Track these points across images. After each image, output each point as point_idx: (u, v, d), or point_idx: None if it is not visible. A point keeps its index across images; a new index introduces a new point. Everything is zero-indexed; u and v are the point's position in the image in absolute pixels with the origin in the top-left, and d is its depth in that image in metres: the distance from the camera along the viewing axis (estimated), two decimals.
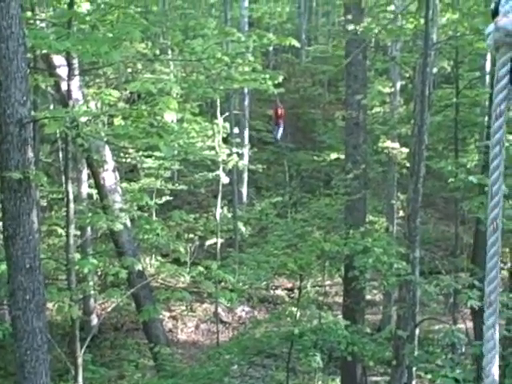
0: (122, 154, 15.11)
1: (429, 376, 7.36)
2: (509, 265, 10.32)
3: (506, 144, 11.54)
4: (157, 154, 14.26)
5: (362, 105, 11.15)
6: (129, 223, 10.52)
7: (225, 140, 13.79)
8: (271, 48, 19.86)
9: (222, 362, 8.92)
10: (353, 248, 8.73)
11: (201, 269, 7.75)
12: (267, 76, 10.49)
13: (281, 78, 10.71)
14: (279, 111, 18.01)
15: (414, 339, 7.48)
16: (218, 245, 12.68)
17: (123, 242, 10.18)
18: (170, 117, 10.81)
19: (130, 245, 10.31)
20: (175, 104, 9.34)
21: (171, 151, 9.01)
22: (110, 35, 7.10)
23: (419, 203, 8.24)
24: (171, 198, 15.10)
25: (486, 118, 11.38)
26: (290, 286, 13.87)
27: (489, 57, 11.64)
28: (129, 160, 15.47)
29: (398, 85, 13.97)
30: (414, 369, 7.74)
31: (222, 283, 9.82)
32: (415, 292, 7.57)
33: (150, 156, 14.75)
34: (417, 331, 7.54)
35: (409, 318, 7.76)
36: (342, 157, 12.53)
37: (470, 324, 9.32)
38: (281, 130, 18.31)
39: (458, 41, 9.57)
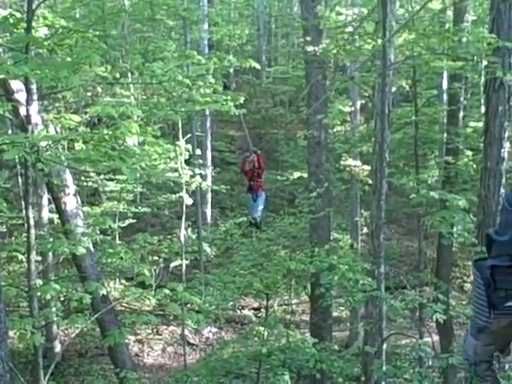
0: (82, 178, 14.95)
1: None
2: (471, 278, 10.49)
3: (465, 159, 11.84)
4: (119, 177, 14.16)
5: (323, 124, 11.30)
6: (91, 247, 10.38)
7: (187, 161, 13.76)
8: (232, 70, 19.99)
9: None
10: (318, 266, 8.78)
11: (166, 291, 7.68)
12: (228, 97, 10.55)
13: (242, 99, 10.78)
14: (255, 160, 10.25)
15: (381, 354, 7.51)
16: (183, 266, 12.57)
17: (86, 266, 10.01)
18: (132, 140, 10.77)
19: (93, 269, 10.14)
20: (137, 127, 9.30)
21: (134, 174, 8.95)
22: (69, 59, 7.05)
23: (382, 219, 8.33)
24: (134, 221, 14.97)
25: (445, 135, 11.66)
26: (256, 305, 13.83)
27: (445, 75, 11.94)
28: (90, 184, 15.31)
29: (358, 104, 14.20)
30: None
31: (188, 305, 9.74)
32: (381, 307, 7.62)
33: (111, 179, 14.62)
34: (384, 346, 7.58)
35: (376, 333, 7.79)
36: (305, 175, 12.63)
37: (435, 337, 9.43)
38: (261, 206, 10.37)
39: (415, 60, 9.80)
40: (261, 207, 10.44)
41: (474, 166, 11.20)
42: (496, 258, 1.27)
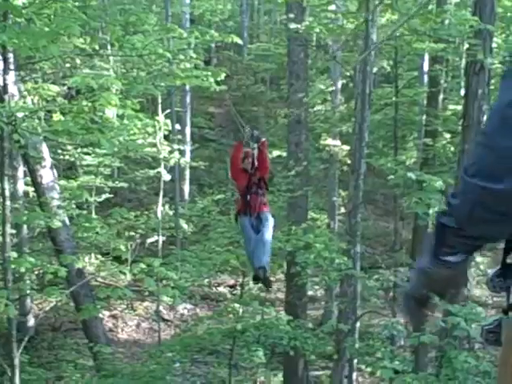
0: (59, 151, 14.75)
1: (369, 369, 7.49)
2: None
3: (443, 142, 11.91)
4: (97, 150, 13.99)
5: (303, 103, 11.26)
6: (67, 221, 10.29)
7: (166, 137, 13.66)
8: (213, 45, 19.78)
9: (163, 360, 8.84)
10: (295, 244, 8.81)
11: (143, 266, 7.66)
12: (209, 73, 10.45)
13: (223, 75, 10.69)
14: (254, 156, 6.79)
15: (354, 333, 7.60)
16: (160, 242, 12.55)
17: (61, 240, 9.94)
18: (112, 113, 10.65)
19: (68, 243, 10.08)
20: (116, 100, 9.19)
21: (113, 147, 8.86)
22: (48, 29, 6.91)
23: (360, 200, 8.37)
24: (111, 196, 14.85)
25: (424, 117, 11.70)
26: (231, 282, 13.87)
27: (426, 57, 11.96)
28: (67, 157, 15.11)
29: (339, 83, 14.17)
30: (355, 362, 7.86)
31: (164, 281, 9.73)
32: (356, 286, 7.69)
33: (89, 153, 14.45)
34: (357, 325, 7.66)
35: (349, 312, 7.88)
36: (284, 154, 12.61)
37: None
38: (269, 242, 6.64)
39: (397, 41, 9.78)
40: (269, 245, 6.42)
41: (452, 148, 11.27)
42: (447, 217, 1.41)
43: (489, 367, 6.53)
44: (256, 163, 6.50)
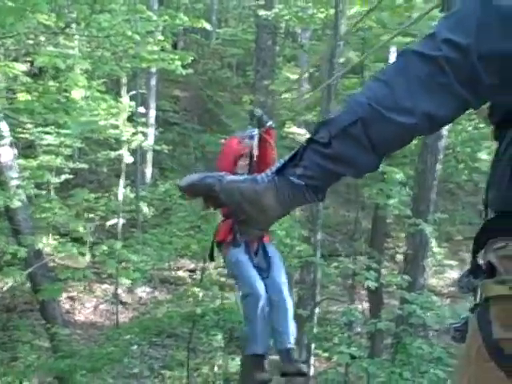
0: (19, 129, 14.46)
1: (326, 354, 7.62)
2: (404, 248, 10.83)
3: None
4: (58, 130, 13.75)
5: (269, 90, 11.27)
6: (25, 201, 10.13)
7: (130, 119, 13.51)
8: (181, 28, 19.58)
9: (121, 342, 8.81)
10: None
11: (104, 248, 7.61)
12: (176, 56, 10.38)
13: (190, 59, 10.63)
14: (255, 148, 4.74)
15: (313, 318, 7.71)
16: (120, 225, 12.45)
17: (19, 219, 9.79)
18: (79, 93, 10.47)
19: (26, 223, 9.93)
20: (84, 80, 9.05)
21: (79, 128, 8.75)
22: (13, 5, 6.76)
23: None
24: (71, 177, 14.62)
25: None
26: (191, 267, 13.86)
27: (393, 50, 12.07)
28: (26, 136, 14.82)
29: (306, 72, 14.23)
30: (313, 347, 7.97)
31: (123, 264, 9.68)
32: (316, 273, 7.79)
33: (49, 133, 14.20)
34: (316, 311, 7.77)
35: (309, 298, 7.98)
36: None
37: (366, 305, 9.74)
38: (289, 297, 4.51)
39: (365, 33, 9.88)
40: (291, 303, 4.50)
41: (415, 141, 11.45)
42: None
43: (442, 354, 6.72)
44: (255, 157, 4.61)
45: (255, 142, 4.59)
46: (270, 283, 4.38)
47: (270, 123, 4.65)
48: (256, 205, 1.21)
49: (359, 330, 8.52)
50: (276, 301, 4.32)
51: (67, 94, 9.69)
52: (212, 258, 4.79)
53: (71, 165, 14.70)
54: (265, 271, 4.43)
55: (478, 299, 1.38)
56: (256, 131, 4.63)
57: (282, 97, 14.23)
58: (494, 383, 1.31)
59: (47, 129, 13.56)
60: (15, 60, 13.01)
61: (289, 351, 4.23)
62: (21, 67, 10.81)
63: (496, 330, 1.30)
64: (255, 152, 4.62)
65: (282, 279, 4.44)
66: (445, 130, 8.65)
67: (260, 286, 4.28)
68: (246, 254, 4.40)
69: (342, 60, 11.14)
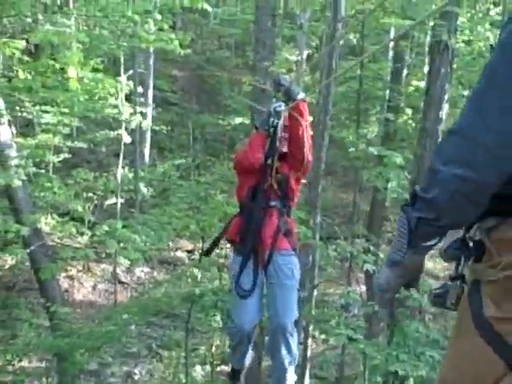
0: (17, 108, 14.40)
1: (323, 336, 7.70)
2: None
3: (404, 117, 12.10)
4: (56, 109, 13.71)
5: (269, 72, 11.23)
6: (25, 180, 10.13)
7: (128, 99, 13.46)
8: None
9: (120, 321, 8.88)
10: None
11: (105, 228, 7.64)
12: (174, 37, 10.34)
13: (189, 40, 10.59)
14: (285, 122, 3.85)
15: (311, 300, 7.78)
16: (119, 205, 12.47)
17: (19, 199, 9.78)
18: (74, 71, 10.42)
19: (26, 202, 9.93)
20: (81, 58, 9.00)
21: (81, 107, 8.72)
22: None
23: (322, 171, 8.48)
24: (69, 156, 14.61)
25: (388, 92, 11.84)
26: (190, 247, 13.93)
27: (392, 32, 12.04)
28: (24, 114, 14.76)
29: (305, 53, 14.16)
30: (311, 328, 8.05)
31: (121, 243, 9.72)
32: (315, 256, 7.84)
33: (47, 111, 14.15)
34: (315, 293, 7.84)
35: (307, 280, 8.04)
36: (247, 122, 12.60)
37: (363, 288, 9.82)
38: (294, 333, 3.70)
39: (365, 16, 9.83)
40: (295, 343, 3.74)
41: (413, 124, 11.46)
42: (420, 211, 1.47)
43: (438, 336, 6.80)
44: (281, 146, 3.76)
45: (281, 120, 3.73)
46: (271, 312, 3.65)
47: (301, 95, 3.71)
48: (421, 265, 1.57)
49: (356, 312, 8.60)
50: (273, 336, 3.65)
51: (65, 74, 9.67)
52: (208, 254, 4.12)
53: (70, 144, 14.68)
54: (261, 287, 3.71)
55: (459, 270, 1.54)
56: (283, 106, 3.74)
57: None
58: (481, 356, 1.42)
59: (45, 107, 13.53)
60: (11, 37, 12.91)
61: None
62: (20, 45, 10.75)
63: (487, 309, 1.41)
64: (280, 133, 3.76)
65: (286, 320, 3.52)
66: (444, 114, 8.67)
67: (248, 321, 3.60)
68: (245, 264, 3.60)
69: (341, 42, 11.10)
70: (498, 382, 1.40)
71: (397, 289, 1.61)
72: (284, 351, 3.59)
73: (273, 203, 3.74)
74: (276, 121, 3.73)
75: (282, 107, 3.73)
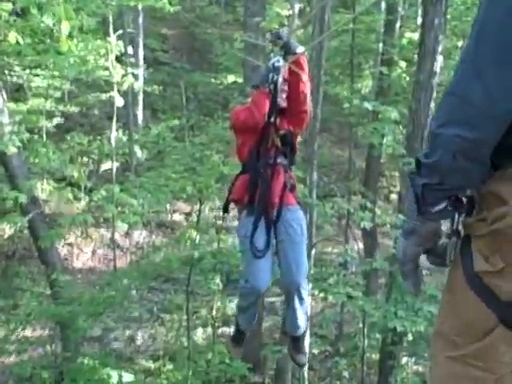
0: (6, 72, 14.17)
1: (322, 294, 7.76)
2: (398, 188, 10.88)
3: (398, 71, 11.93)
4: (47, 72, 13.49)
5: (260, 27, 11.03)
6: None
7: (118, 60, 13.24)
8: None
9: (120, 287, 8.93)
10: None
11: (103, 192, 7.59)
12: None
13: None
14: (285, 78, 3.71)
15: (310, 259, 7.81)
16: (114, 169, 12.41)
17: (14, 166, 9.70)
18: (66, 27, 10.18)
19: (21, 169, 9.85)
20: (71, 12, 8.75)
21: (76, 70, 8.52)
22: None
23: (317, 128, 8.40)
24: (62, 121, 14.46)
25: (381, 45, 11.64)
26: (187, 210, 13.92)
27: None
28: (14, 79, 14.53)
29: (297, 7, 13.88)
30: (310, 286, 8.10)
31: (119, 208, 9.69)
32: (312, 214, 7.83)
33: (37, 75, 13.93)
34: (313, 252, 7.86)
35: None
36: (240, 80, 12.42)
37: (360, 245, 9.85)
38: (305, 278, 3.74)
39: None
40: (307, 290, 3.86)
41: (407, 78, 11.32)
42: (425, 177, 1.47)
43: (435, 292, 6.87)
44: (281, 102, 3.71)
45: (280, 76, 3.63)
46: (283, 270, 3.68)
47: (300, 48, 3.61)
48: (436, 231, 1.57)
49: (354, 269, 8.66)
50: (288, 294, 3.76)
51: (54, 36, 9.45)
52: (226, 210, 3.95)
53: (62, 108, 14.50)
54: (275, 242, 3.69)
55: (454, 226, 1.54)
56: (281, 61, 3.62)
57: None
58: (473, 309, 1.46)
59: (35, 71, 13.31)
60: None
61: (293, 339, 4.00)
62: (8, 6, 10.49)
63: (476, 263, 1.44)
64: (282, 88, 3.68)
65: (300, 277, 3.63)
66: (438, 67, 8.53)
67: (262, 280, 3.60)
68: (256, 222, 3.58)
69: None
70: (488, 333, 1.45)
71: (416, 258, 1.60)
72: (298, 305, 3.75)
73: (278, 160, 3.73)
74: (276, 76, 3.63)
75: (281, 62, 3.62)
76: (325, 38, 9.23)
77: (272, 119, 3.69)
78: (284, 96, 3.72)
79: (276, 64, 3.64)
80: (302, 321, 3.84)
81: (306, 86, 3.68)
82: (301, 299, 3.73)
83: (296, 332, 3.90)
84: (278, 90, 3.66)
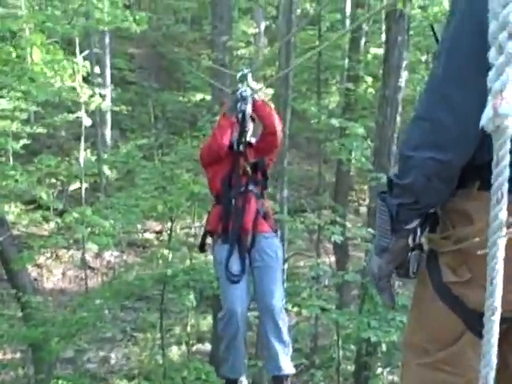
0: None
1: (295, 309, 7.81)
2: (367, 201, 11.04)
3: (364, 86, 12.15)
4: (12, 94, 13.37)
5: (227, 46, 11.14)
6: None
7: (85, 80, 13.20)
8: None
9: (93, 307, 8.85)
10: None
11: (75, 214, 7.57)
12: (130, 15, 10.17)
13: (146, 19, 10.41)
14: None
15: (283, 273, 7.86)
16: (83, 189, 12.32)
17: None
18: (38, 54, 10.14)
19: None
20: (43, 39, 8.74)
21: (46, 95, 8.49)
22: None
23: (286, 145, 8.49)
24: (28, 142, 14.30)
25: (347, 61, 11.85)
26: (158, 228, 13.87)
27: (348, 2, 12.03)
28: None
29: (263, 25, 14.08)
30: (284, 302, 8.14)
31: (89, 229, 9.63)
32: (284, 230, 7.89)
33: (3, 96, 13.79)
34: (285, 267, 7.91)
35: None
36: (208, 98, 12.49)
37: (332, 258, 9.94)
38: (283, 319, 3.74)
39: None
40: (285, 318, 3.78)
41: (374, 92, 11.53)
42: (398, 197, 1.50)
43: (407, 301, 6.96)
44: (249, 132, 3.87)
45: (248, 105, 3.77)
46: (258, 295, 3.70)
47: (259, 96, 3.84)
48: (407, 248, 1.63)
49: (327, 282, 8.74)
50: (263, 321, 3.69)
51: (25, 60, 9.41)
52: (202, 249, 4.04)
53: (28, 130, 14.36)
54: (249, 271, 3.72)
55: (416, 240, 1.61)
56: (248, 91, 3.77)
57: (240, 52, 14.09)
58: (442, 318, 1.53)
59: (2, 93, 13.18)
60: None
61: (276, 379, 3.68)
62: None
63: (445, 275, 1.50)
64: (249, 115, 3.80)
65: (274, 301, 3.60)
66: (403, 82, 8.73)
67: (239, 302, 3.55)
68: (230, 251, 3.63)
69: (298, 11, 11.05)
70: (457, 340, 1.52)
71: (389, 274, 1.66)
72: (274, 339, 3.62)
73: (250, 187, 3.79)
74: (244, 106, 3.77)
75: (248, 92, 3.77)
76: (291, 55, 9.38)
77: (241, 148, 3.80)
78: (251, 126, 3.86)
79: (243, 94, 3.77)
80: (284, 362, 3.62)
81: (273, 111, 3.88)
82: (278, 333, 3.60)
83: (277, 372, 3.65)
84: (246, 118, 3.79)
